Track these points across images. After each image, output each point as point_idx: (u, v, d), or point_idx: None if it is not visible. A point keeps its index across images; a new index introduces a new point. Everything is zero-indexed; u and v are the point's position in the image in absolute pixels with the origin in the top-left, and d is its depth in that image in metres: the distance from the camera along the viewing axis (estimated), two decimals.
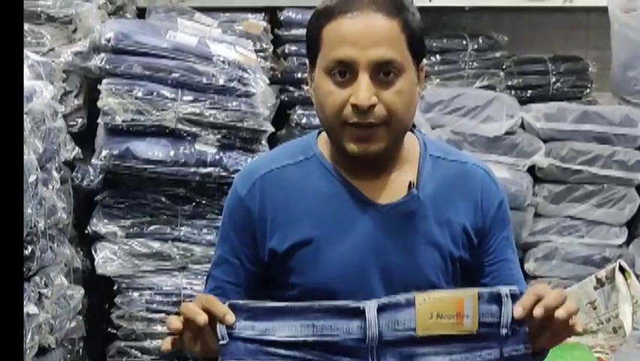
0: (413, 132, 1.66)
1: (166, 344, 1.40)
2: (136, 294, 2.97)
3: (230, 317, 1.38)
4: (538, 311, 1.33)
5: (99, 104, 2.85)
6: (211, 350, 1.41)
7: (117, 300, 2.98)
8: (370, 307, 1.37)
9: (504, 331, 1.36)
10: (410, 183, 1.56)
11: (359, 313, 1.37)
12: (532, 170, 3.26)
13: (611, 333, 3.01)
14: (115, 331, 3.00)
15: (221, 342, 1.39)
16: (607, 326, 3.03)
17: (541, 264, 3.30)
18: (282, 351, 1.39)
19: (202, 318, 1.35)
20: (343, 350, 1.39)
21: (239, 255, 1.62)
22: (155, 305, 2.96)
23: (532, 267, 3.27)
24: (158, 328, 2.96)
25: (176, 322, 1.38)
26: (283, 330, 1.38)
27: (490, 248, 1.63)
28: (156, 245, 2.96)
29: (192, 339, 1.41)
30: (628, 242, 3.32)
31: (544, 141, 3.25)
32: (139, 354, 2.99)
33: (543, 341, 1.40)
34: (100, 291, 3.03)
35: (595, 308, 3.06)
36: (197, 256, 2.96)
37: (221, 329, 1.38)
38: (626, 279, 3.05)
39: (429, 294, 1.38)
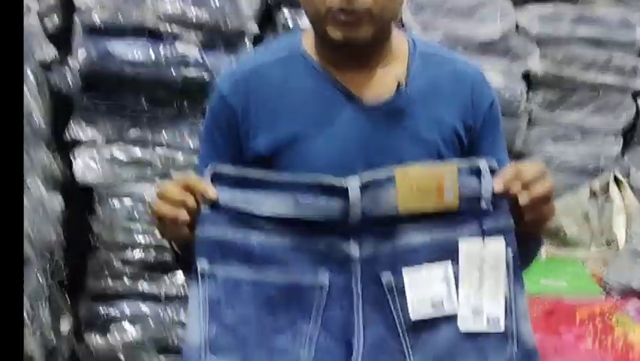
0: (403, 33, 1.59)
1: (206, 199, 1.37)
2: (116, 202, 2.89)
3: (213, 193, 1.36)
4: (515, 187, 1.33)
5: (75, 1, 2.72)
6: (190, 236, 1.39)
7: (97, 209, 2.89)
8: (353, 186, 1.34)
9: (484, 205, 1.34)
10: (398, 81, 1.53)
11: (342, 192, 1.34)
12: (526, 77, 3.14)
13: (604, 246, 2.97)
14: (95, 242, 2.92)
15: (203, 211, 1.36)
16: (600, 239, 2.99)
17: None
18: (264, 224, 1.36)
19: (189, 200, 1.34)
20: (324, 226, 1.36)
21: (223, 156, 1.57)
22: (136, 214, 2.88)
23: None
24: (140, 238, 2.89)
25: (158, 206, 1.36)
26: (265, 203, 1.36)
27: (480, 148, 1.59)
28: (137, 151, 2.86)
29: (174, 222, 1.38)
30: (623, 152, 3.22)
31: (539, 45, 3.12)
32: (120, 265, 2.92)
33: (526, 220, 1.36)
34: (79, 200, 2.93)
35: (588, 220, 3.01)
36: (180, 163, 2.87)
37: (204, 201, 1.37)
38: (620, 190, 3.01)
39: (408, 168, 1.35)
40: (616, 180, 3.03)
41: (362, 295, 1.36)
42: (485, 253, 1.34)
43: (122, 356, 2.94)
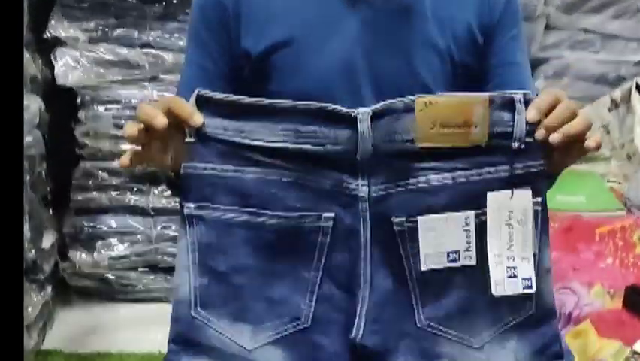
0: None
1: (124, 158, 1.19)
2: (101, 108, 2.74)
3: (198, 118, 1.19)
4: (552, 121, 1.17)
5: None
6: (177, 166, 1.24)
7: (81, 115, 2.74)
8: (364, 115, 1.18)
9: (516, 144, 1.19)
10: None
11: (350, 122, 1.19)
12: None
13: (625, 160, 2.87)
14: (79, 151, 2.79)
15: (187, 140, 1.20)
16: (621, 152, 2.88)
17: (552, 82, 3.05)
18: (259, 157, 1.21)
19: (160, 120, 1.15)
20: (329, 161, 1.21)
21: (213, 57, 1.45)
22: (122, 121, 2.72)
23: (541, 85, 3.01)
24: (127, 147, 2.69)
25: (132, 127, 1.16)
26: (261, 133, 1.21)
27: (496, 48, 1.47)
28: (123, 51, 2.70)
29: (159, 150, 1.21)
30: None
31: None
32: (106, 176, 2.81)
33: (554, 159, 1.22)
34: (61, 106, 2.76)
35: (608, 132, 2.89)
36: (169, 65, 2.71)
37: (189, 128, 1.20)
38: None
39: (432, 98, 1.19)
40: (638, 89, 2.88)
41: (370, 241, 1.22)
42: (514, 206, 1.21)
43: (108, 274, 2.85)
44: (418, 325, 1.22)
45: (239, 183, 1.21)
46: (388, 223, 1.21)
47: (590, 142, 1.18)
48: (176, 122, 1.17)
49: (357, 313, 1.21)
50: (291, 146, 1.20)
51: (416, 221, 1.20)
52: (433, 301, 1.22)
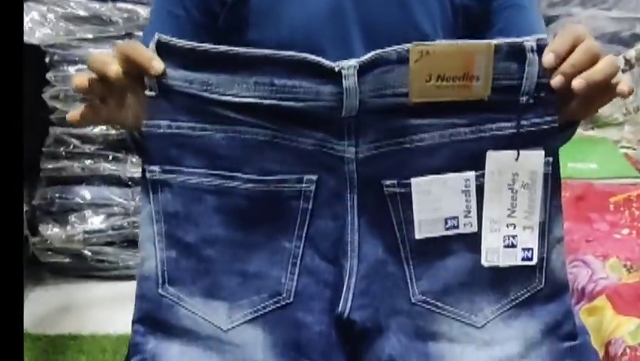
0: None
1: (73, 112, 1.09)
2: (72, 69, 2.61)
3: (158, 65, 1.06)
4: (569, 67, 1.04)
5: None
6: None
7: (50, 76, 2.61)
8: (349, 69, 1.07)
9: (524, 98, 1.08)
10: None
11: (334, 76, 1.08)
12: None
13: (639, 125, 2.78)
14: (50, 115, 2.66)
15: (147, 93, 1.08)
16: (635, 117, 2.79)
17: None
18: (230, 114, 1.10)
19: (114, 69, 1.04)
20: (310, 119, 1.10)
21: (184, 3, 1.34)
22: None
23: None
24: None
25: (81, 78, 1.05)
26: (231, 86, 1.09)
27: None
28: (95, 6, 2.57)
29: (117, 106, 1.09)
30: None
31: None
32: (79, 143, 2.68)
33: (573, 108, 1.10)
34: (29, 67, 2.59)
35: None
36: (143, 20, 2.58)
37: (149, 80, 1.08)
38: None
39: (428, 46, 1.07)
40: None
41: (357, 207, 1.12)
42: (520, 168, 1.10)
43: (82, 249, 2.72)
44: (412, 300, 1.11)
45: (208, 144, 1.10)
46: (378, 187, 1.10)
47: (622, 86, 1.06)
48: (136, 73, 1.06)
49: (345, 286, 1.10)
50: (265, 102, 1.08)
51: (409, 184, 1.10)
52: (429, 273, 1.12)
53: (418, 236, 1.10)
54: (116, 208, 2.70)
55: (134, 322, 1.12)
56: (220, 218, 1.11)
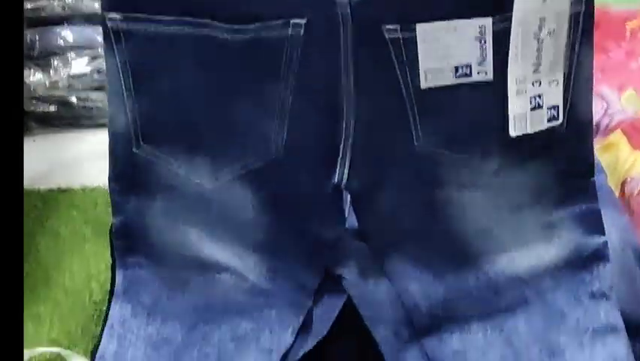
0: None
1: None
2: None
3: None
4: None
5: None
6: None
7: None
8: None
9: None
10: None
11: None
12: None
13: None
14: None
15: None
16: None
17: None
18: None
19: None
20: None
21: None
22: None
23: None
24: None
25: None
26: None
27: None
28: None
29: None
30: None
31: None
32: None
33: None
34: None
35: None
36: None
37: None
38: None
39: None
40: None
41: (353, 54, 1.00)
42: (547, 11, 0.96)
43: (68, 96, 2.56)
44: (417, 149, 1.03)
45: None
46: (377, 33, 0.98)
47: None
48: None
49: (340, 152, 1.01)
50: None
51: (414, 29, 0.96)
52: (436, 120, 1.03)
53: (423, 85, 0.99)
54: (100, 50, 2.49)
55: (109, 179, 1.06)
56: (196, 67, 1.00)
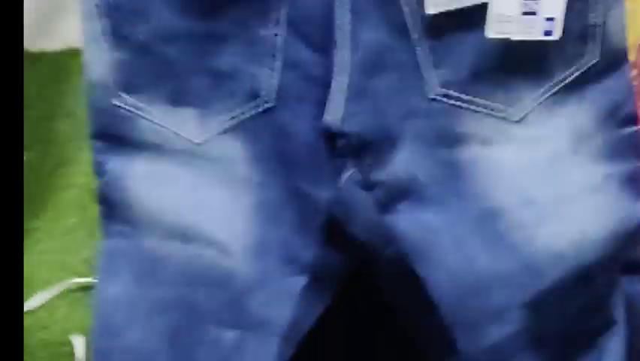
0: None
1: None
2: None
3: None
4: None
5: None
6: None
7: None
8: None
9: None
10: None
11: None
12: None
13: None
14: None
15: None
16: None
17: None
18: None
19: None
20: None
21: None
22: None
23: None
24: None
25: None
26: None
27: None
28: None
29: None
30: None
31: None
32: None
33: None
34: None
35: None
36: None
37: None
38: None
39: None
40: None
41: None
42: None
43: None
44: (430, 95, 0.86)
45: None
46: None
47: None
48: None
49: (332, 87, 0.86)
50: None
51: None
52: (450, 58, 0.86)
53: (428, 11, 0.84)
54: None
55: (90, 137, 0.94)
56: (178, 7, 0.89)
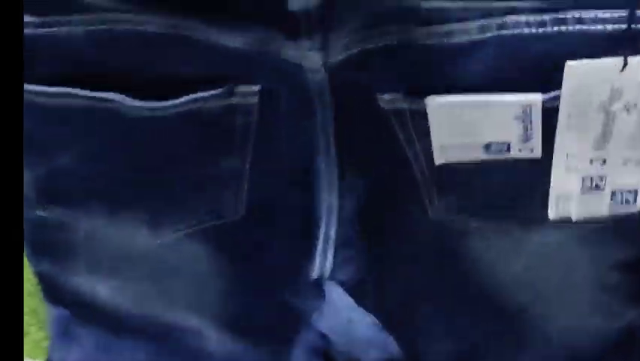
0: None
1: None
2: None
3: None
4: None
5: None
6: None
7: None
8: None
9: None
10: None
11: None
12: None
13: None
14: None
15: None
16: None
17: None
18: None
19: None
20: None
21: None
22: None
23: None
24: None
25: None
26: None
27: None
28: None
29: None
30: None
31: None
32: None
33: None
34: None
35: None
36: None
37: None
38: None
39: None
40: None
41: (335, 126, 0.70)
42: (624, 83, 0.68)
43: None
44: (433, 217, 0.74)
45: (66, 45, 0.68)
46: (368, 100, 0.68)
47: None
48: None
49: (321, 238, 0.76)
50: None
51: (422, 103, 0.66)
52: (459, 188, 0.73)
53: (438, 162, 0.70)
54: None
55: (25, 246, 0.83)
56: (103, 141, 0.72)
